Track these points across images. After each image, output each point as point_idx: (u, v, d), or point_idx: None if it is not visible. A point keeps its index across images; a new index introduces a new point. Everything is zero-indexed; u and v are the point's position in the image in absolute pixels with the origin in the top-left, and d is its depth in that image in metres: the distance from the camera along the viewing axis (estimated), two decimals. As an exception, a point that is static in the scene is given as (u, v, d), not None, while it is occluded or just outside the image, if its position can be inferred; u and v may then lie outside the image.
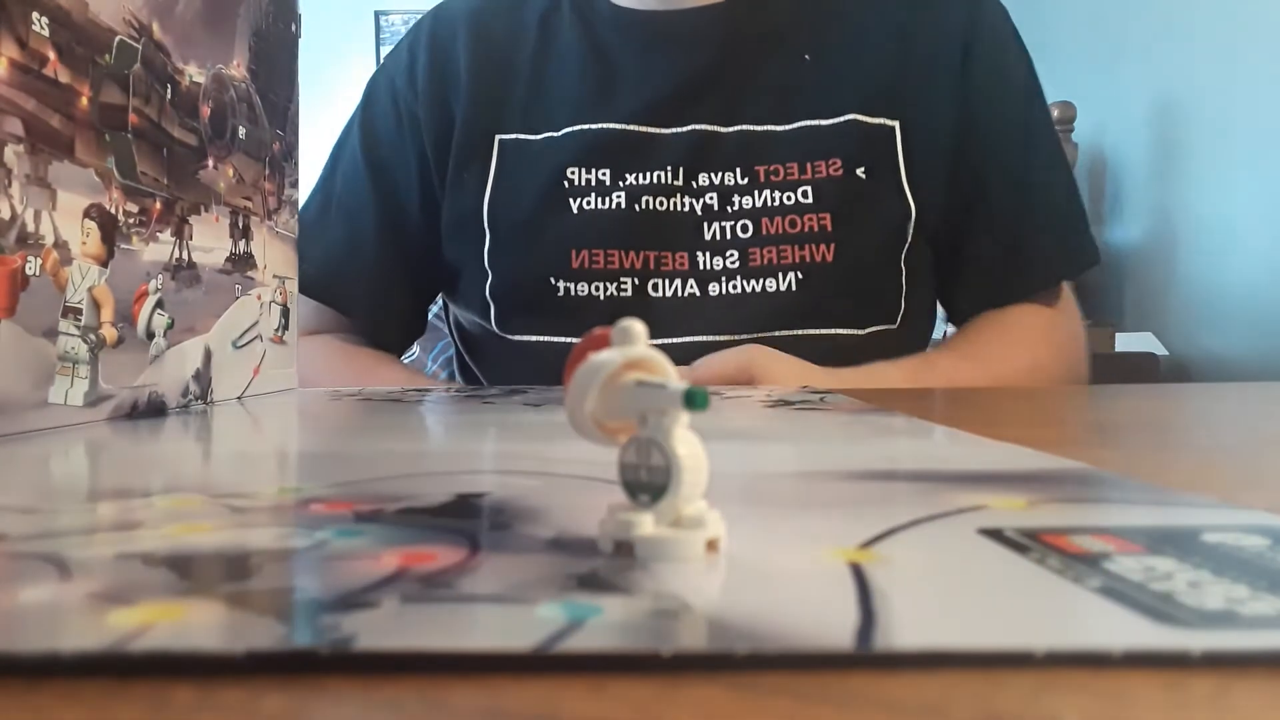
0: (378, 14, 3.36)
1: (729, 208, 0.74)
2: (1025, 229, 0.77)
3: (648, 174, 0.75)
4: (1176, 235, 1.80)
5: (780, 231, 0.73)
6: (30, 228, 0.35)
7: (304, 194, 0.65)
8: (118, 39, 0.40)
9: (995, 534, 0.18)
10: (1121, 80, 1.96)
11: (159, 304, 0.44)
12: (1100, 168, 2.04)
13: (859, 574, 0.16)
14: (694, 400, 0.17)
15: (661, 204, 0.75)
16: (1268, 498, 0.24)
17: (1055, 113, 1.88)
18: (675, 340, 0.71)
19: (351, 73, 3.22)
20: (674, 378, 0.18)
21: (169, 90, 0.45)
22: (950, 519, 0.20)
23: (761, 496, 0.24)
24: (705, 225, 0.74)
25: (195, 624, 0.13)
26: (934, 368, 0.73)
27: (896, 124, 0.75)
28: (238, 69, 0.52)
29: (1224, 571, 0.16)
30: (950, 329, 0.84)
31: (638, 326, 0.18)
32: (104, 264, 0.40)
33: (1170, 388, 0.87)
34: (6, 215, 0.34)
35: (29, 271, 0.35)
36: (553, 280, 0.75)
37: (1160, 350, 1.72)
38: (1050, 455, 0.29)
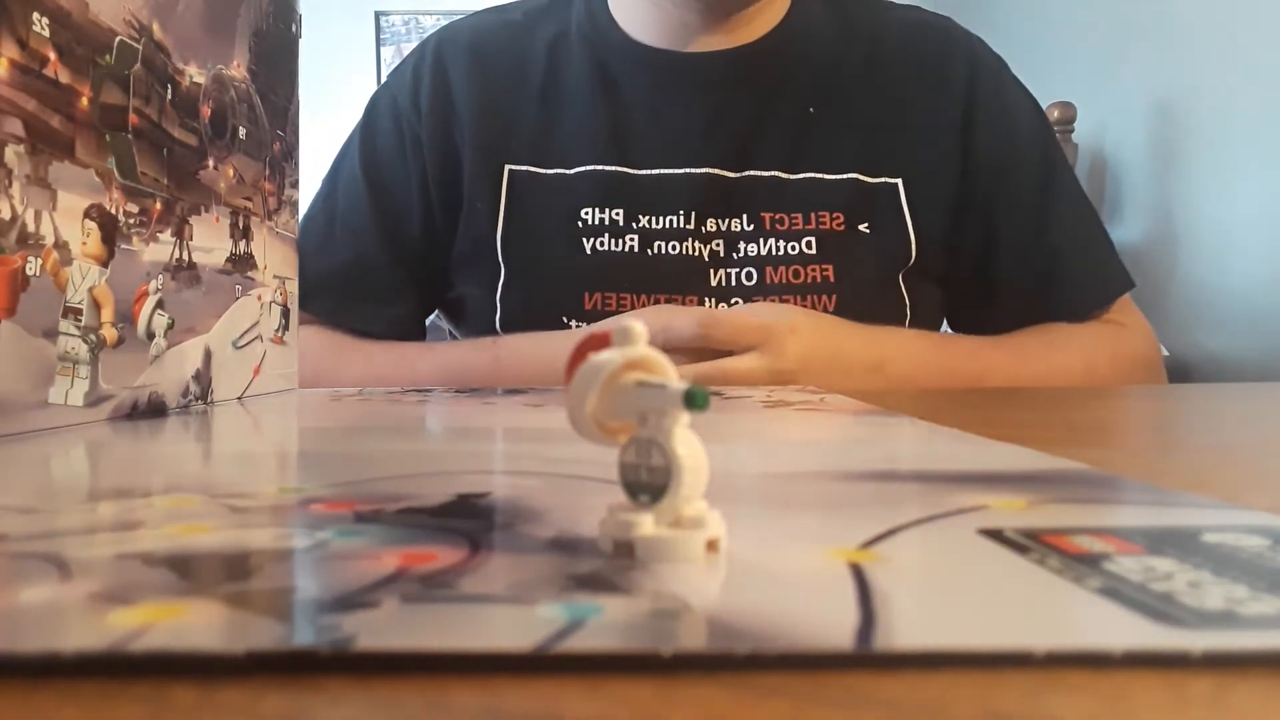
0: (378, 14, 3.36)
1: (735, 254, 0.75)
2: (1052, 263, 0.78)
3: (661, 218, 0.76)
4: (1176, 235, 1.80)
5: (784, 281, 0.74)
6: (30, 228, 0.35)
7: (304, 195, 0.65)
8: (118, 39, 0.40)
9: (995, 534, 0.18)
10: (1121, 80, 1.96)
11: (159, 304, 0.44)
12: (1100, 168, 2.04)
13: (859, 574, 0.16)
14: (694, 400, 0.17)
15: (674, 248, 0.75)
16: (1268, 498, 0.24)
17: (1055, 113, 1.88)
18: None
19: (351, 73, 3.22)
20: (674, 378, 0.18)
21: (169, 91, 0.45)
22: (950, 519, 0.20)
23: (761, 496, 0.24)
24: (712, 272, 0.75)
25: (195, 624, 0.13)
26: (979, 360, 0.72)
27: (899, 181, 0.76)
28: (238, 69, 0.52)
29: (1224, 572, 0.16)
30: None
31: (638, 327, 0.18)
32: (104, 264, 0.40)
33: (1170, 388, 0.87)
34: (7, 215, 0.34)
35: (29, 272, 0.35)
36: (565, 319, 0.75)
37: (1160, 350, 1.72)
38: (1050, 455, 0.29)
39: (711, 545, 0.17)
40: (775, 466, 0.28)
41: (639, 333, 0.18)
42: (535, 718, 0.11)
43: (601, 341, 0.18)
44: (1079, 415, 0.49)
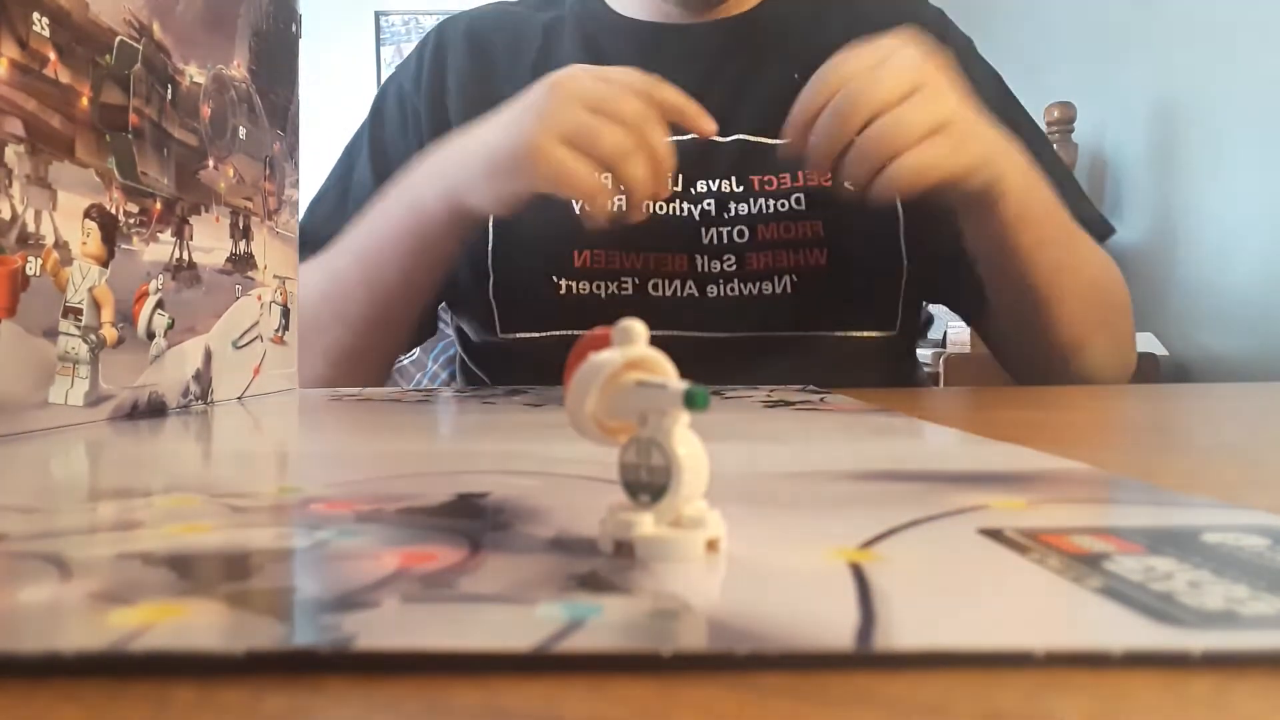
0: (378, 14, 3.36)
1: (725, 214, 0.77)
2: None
3: None
4: (1176, 235, 1.80)
5: (775, 237, 0.76)
6: (31, 228, 0.35)
7: (304, 195, 0.66)
8: (118, 39, 0.40)
9: (995, 534, 0.18)
10: (1121, 80, 1.96)
11: (159, 304, 0.44)
12: (1100, 168, 2.04)
13: (859, 574, 0.16)
14: (694, 400, 0.17)
15: (661, 208, 0.77)
16: (1268, 498, 0.24)
17: (1055, 113, 1.88)
18: (671, 333, 0.72)
19: (351, 73, 3.22)
20: (674, 377, 0.18)
21: (169, 91, 0.45)
22: (950, 519, 0.20)
23: (761, 496, 0.24)
24: (703, 230, 0.77)
25: (195, 624, 0.13)
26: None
27: None
28: (238, 69, 0.52)
29: (1224, 571, 0.16)
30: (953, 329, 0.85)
31: (638, 326, 0.18)
32: (104, 264, 0.40)
33: (1170, 388, 0.87)
34: (7, 215, 0.34)
35: (29, 271, 0.35)
36: (555, 278, 0.76)
37: (1160, 350, 1.72)
38: (1050, 455, 0.29)
39: (711, 545, 0.17)
40: (775, 466, 0.28)
41: (639, 332, 0.18)
42: (535, 718, 0.11)
43: (601, 341, 0.18)
44: (1079, 415, 0.49)
